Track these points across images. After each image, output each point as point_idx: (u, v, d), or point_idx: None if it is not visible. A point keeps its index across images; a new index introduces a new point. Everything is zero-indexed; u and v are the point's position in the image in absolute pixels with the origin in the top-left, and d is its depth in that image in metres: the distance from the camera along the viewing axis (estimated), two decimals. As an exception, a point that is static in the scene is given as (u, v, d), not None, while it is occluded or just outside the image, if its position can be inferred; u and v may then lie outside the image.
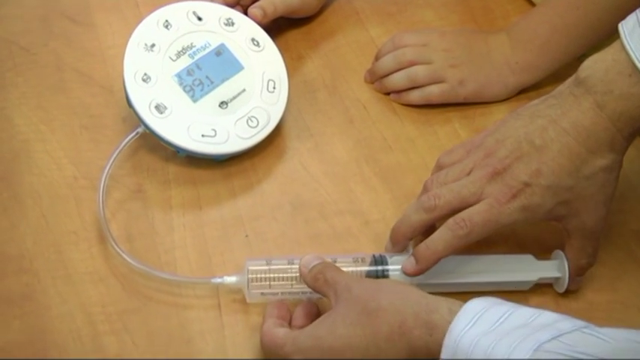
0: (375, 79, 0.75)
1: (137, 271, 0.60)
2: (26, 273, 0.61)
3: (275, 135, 0.71)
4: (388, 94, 0.75)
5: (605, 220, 0.58)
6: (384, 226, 0.65)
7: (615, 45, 0.56)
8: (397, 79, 0.74)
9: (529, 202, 0.56)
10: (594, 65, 0.56)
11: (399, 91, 0.74)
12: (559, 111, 0.57)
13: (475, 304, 0.49)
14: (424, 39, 0.74)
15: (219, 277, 0.59)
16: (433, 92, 0.73)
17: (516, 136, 0.58)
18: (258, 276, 0.58)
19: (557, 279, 0.61)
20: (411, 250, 0.59)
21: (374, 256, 0.59)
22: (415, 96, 0.73)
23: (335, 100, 0.75)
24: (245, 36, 0.71)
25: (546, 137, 0.57)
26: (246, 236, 0.64)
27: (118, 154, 0.65)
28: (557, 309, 0.58)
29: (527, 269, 0.60)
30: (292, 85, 0.74)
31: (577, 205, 0.57)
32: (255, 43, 0.71)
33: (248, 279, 0.58)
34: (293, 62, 0.77)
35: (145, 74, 0.67)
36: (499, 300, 0.50)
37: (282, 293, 0.59)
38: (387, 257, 0.59)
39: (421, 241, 0.58)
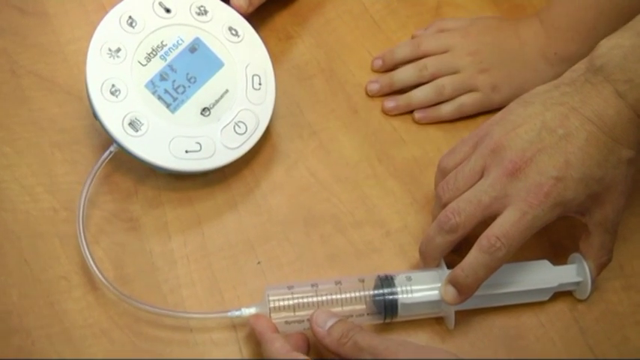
0: (392, 90, 0.66)
1: (143, 317, 0.54)
2: (16, 333, 0.54)
3: (274, 134, 0.63)
4: (410, 111, 0.65)
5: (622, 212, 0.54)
6: (408, 235, 0.59)
7: (631, 28, 0.52)
8: (422, 95, 0.65)
9: (562, 198, 0.52)
10: (610, 52, 0.52)
11: (424, 107, 0.65)
12: (577, 98, 0.53)
13: None
14: (446, 43, 0.65)
15: (237, 310, 0.54)
16: (465, 104, 0.64)
17: (531, 124, 0.53)
18: (281, 304, 0.53)
19: (578, 284, 0.56)
20: (444, 266, 0.54)
21: (379, 277, 0.54)
22: (446, 111, 0.64)
23: (334, 87, 0.67)
24: (221, 25, 0.62)
25: (570, 126, 0.52)
26: (259, 263, 0.58)
27: (92, 180, 0.57)
28: (575, 317, 0.56)
29: (545, 276, 0.55)
30: (285, 72, 0.67)
31: (603, 196, 0.53)
32: (234, 32, 0.62)
33: (270, 308, 0.53)
34: (282, 44, 0.69)
35: (113, 86, 0.58)
36: None
37: (308, 320, 0.53)
38: (394, 277, 0.54)
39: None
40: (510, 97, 0.62)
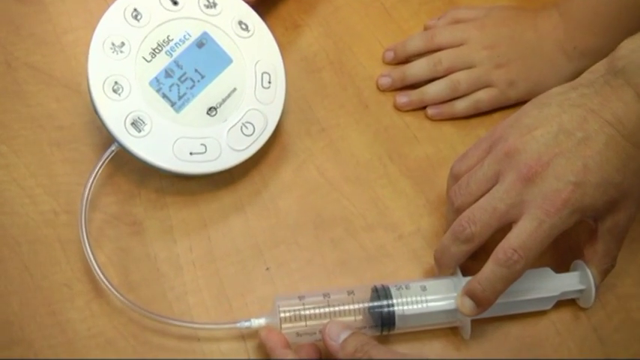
0: (404, 85, 0.63)
1: (148, 326, 0.52)
2: (18, 344, 0.52)
3: (282, 132, 0.61)
4: (423, 107, 0.63)
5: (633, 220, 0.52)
6: (421, 238, 0.57)
7: None
8: (436, 91, 0.62)
9: (580, 204, 0.50)
10: (632, 54, 0.50)
11: (437, 103, 0.62)
12: (596, 100, 0.50)
13: None
14: (461, 35, 0.62)
15: (246, 321, 0.52)
16: (481, 100, 0.62)
17: (548, 127, 0.50)
18: (292, 314, 0.51)
19: (581, 292, 0.54)
20: (459, 274, 0.53)
21: (375, 287, 0.52)
22: (461, 107, 0.62)
23: (344, 81, 0.64)
24: (231, 19, 0.59)
25: (588, 129, 0.50)
26: (267, 269, 0.56)
27: (93, 181, 0.55)
28: (594, 326, 0.54)
29: (547, 284, 0.53)
30: (293, 65, 0.64)
31: (619, 203, 0.51)
32: (244, 26, 0.59)
33: (280, 319, 0.51)
34: (289, 33, 0.66)
35: (116, 83, 0.55)
36: None
37: (320, 332, 0.51)
38: (391, 288, 0.52)
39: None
40: (527, 93, 0.61)
